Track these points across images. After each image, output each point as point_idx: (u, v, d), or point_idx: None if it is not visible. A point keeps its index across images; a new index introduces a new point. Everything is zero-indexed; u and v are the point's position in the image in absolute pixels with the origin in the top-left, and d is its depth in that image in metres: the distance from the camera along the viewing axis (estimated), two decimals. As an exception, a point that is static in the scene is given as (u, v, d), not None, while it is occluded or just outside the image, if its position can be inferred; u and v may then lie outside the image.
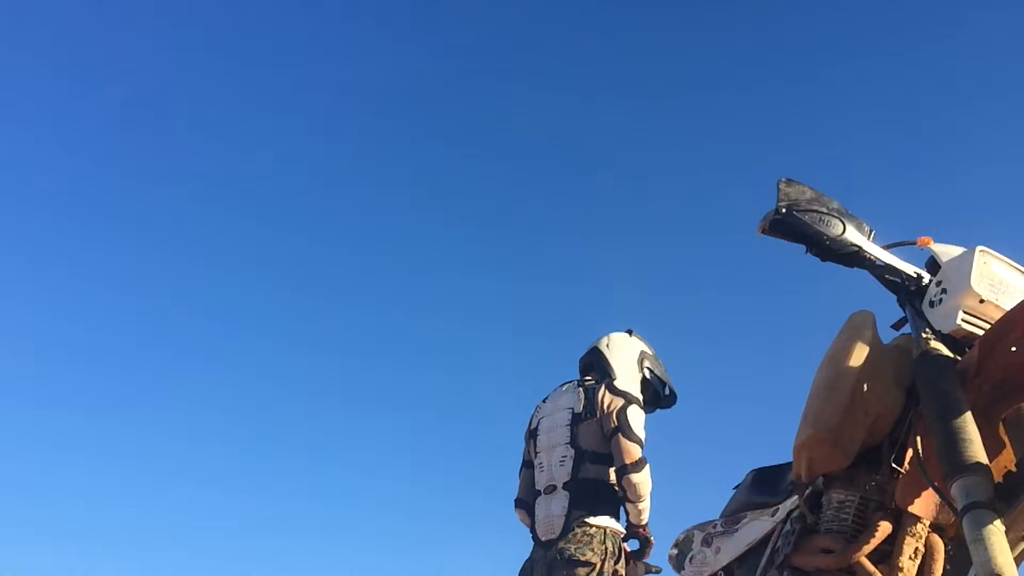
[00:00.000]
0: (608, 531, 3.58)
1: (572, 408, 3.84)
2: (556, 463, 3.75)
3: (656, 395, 4.07)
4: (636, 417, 3.72)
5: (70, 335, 11.46)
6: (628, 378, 3.91)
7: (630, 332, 4.15)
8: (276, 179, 12.09)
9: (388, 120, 12.13)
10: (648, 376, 4.00)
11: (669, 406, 4.14)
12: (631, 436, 3.67)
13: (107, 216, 11.70)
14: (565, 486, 3.68)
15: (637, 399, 3.80)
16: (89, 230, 11.69)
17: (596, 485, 3.67)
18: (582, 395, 3.86)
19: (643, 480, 3.59)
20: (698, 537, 2.55)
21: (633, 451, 3.63)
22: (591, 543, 3.51)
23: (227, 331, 11.80)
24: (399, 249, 12.28)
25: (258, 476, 11.02)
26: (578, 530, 3.55)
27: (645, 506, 3.64)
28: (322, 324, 12.14)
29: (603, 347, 4.04)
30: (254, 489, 10.78)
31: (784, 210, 2.12)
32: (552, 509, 3.68)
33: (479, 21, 11.98)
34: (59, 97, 11.31)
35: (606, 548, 3.54)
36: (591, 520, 3.57)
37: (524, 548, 3.78)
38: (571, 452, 3.74)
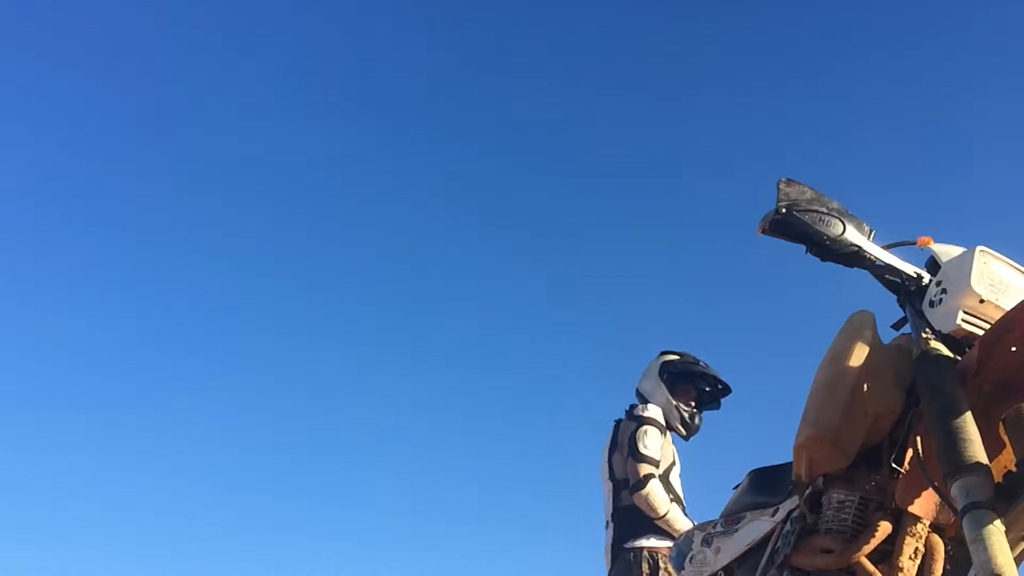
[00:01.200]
0: (646, 550, 3.70)
1: (608, 444, 4.07)
2: (605, 498, 4.02)
3: (710, 393, 4.14)
4: (644, 437, 3.92)
5: (70, 335, 11.46)
6: (656, 395, 4.09)
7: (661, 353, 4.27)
8: (314, 184, 12.08)
9: (425, 127, 12.14)
10: (671, 379, 4.07)
11: (726, 393, 4.21)
12: (637, 456, 3.87)
13: (107, 215, 11.70)
14: (612, 517, 3.92)
15: (649, 419, 3.99)
16: (88, 229, 11.69)
17: (631, 510, 3.83)
18: (612, 429, 4.04)
19: (648, 494, 3.73)
20: (698, 537, 2.55)
21: (638, 470, 3.85)
22: (630, 569, 3.66)
23: (227, 330, 11.80)
24: (401, 247, 12.29)
25: (258, 477, 11.02)
26: (620, 557, 3.68)
27: (671, 519, 3.75)
28: (344, 323, 12.15)
29: (638, 383, 4.24)
30: (255, 490, 10.78)
31: (784, 210, 2.12)
32: (607, 542, 3.92)
33: (533, 33, 11.98)
34: (62, 96, 11.31)
35: (643, 571, 3.66)
36: (630, 544, 3.72)
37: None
38: (611, 485, 3.96)
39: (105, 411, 11.39)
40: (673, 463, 4.00)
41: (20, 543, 9.75)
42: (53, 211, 11.47)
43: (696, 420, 4.11)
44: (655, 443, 3.90)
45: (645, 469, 3.81)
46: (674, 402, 4.06)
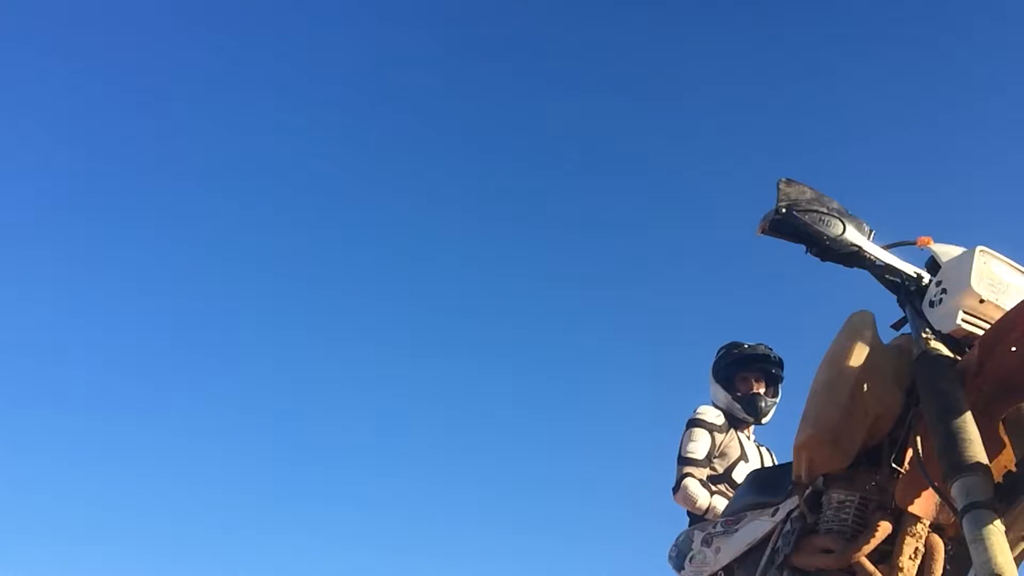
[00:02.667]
0: None
1: None
2: None
3: (773, 376, 4.14)
4: (687, 439, 3.96)
5: (70, 334, 11.46)
6: (717, 396, 4.11)
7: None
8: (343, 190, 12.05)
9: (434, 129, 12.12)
10: (722, 375, 4.07)
11: (779, 366, 4.16)
12: (679, 459, 3.93)
13: (109, 213, 11.71)
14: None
15: (696, 420, 4.02)
16: (90, 227, 11.70)
17: (689, 511, 3.91)
18: None
19: (684, 493, 3.84)
20: (698, 537, 2.55)
21: (677, 472, 3.90)
22: None
23: (229, 329, 11.80)
24: (402, 243, 12.30)
25: (258, 477, 11.02)
26: None
27: (716, 511, 3.74)
28: (347, 323, 12.16)
29: None
30: (258, 490, 10.79)
31: (784, 210, 2.12)
32: None
33: (539, 31, 11.98)
34: (64, 94, 11.32)
35: None
36: None
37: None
38: None
39: (105, 411, 11.40)
40: (740, 458, 3.98)
41: (20, 543, 9.75)
42: (54, 209, 11.48)
43: (761, 403, 4.03)
44: (698, 444, 3.93)
45: (682, 470, 3.88)
46: (731, 395, 4.05)
